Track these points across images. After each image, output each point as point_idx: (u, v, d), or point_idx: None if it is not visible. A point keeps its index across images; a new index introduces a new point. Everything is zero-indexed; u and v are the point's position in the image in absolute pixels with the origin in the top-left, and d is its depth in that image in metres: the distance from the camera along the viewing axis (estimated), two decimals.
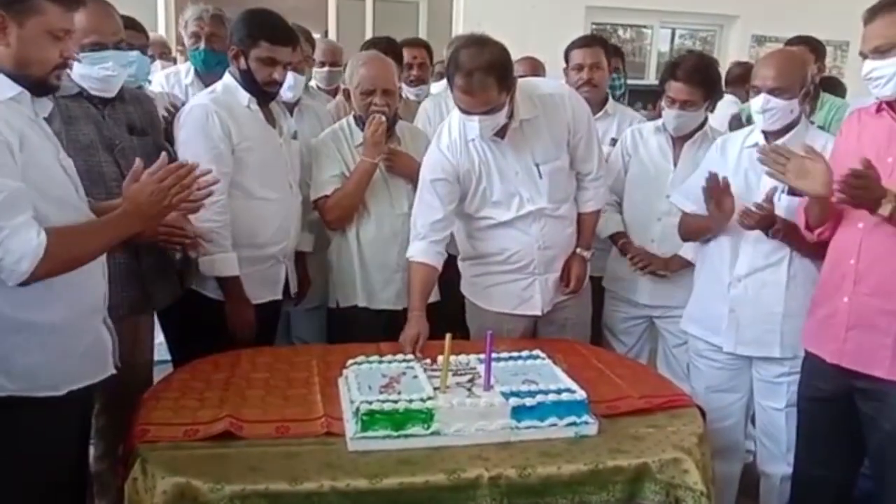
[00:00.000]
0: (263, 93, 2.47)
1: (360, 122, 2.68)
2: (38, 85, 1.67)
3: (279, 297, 2.63)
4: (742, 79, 4.76)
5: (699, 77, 2.63)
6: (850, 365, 2.04)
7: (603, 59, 3.11)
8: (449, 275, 2.63)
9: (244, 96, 2.45)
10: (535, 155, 2.43)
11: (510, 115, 2.35)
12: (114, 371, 1.86)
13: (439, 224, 2.45)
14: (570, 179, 2.54)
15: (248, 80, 2.44)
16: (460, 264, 2.66)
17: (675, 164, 2.77)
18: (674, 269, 2.74)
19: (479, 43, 2.25)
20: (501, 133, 2.39)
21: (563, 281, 2.60)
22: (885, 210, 1.85)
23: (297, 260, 2.77)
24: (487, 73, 2.18)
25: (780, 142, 2.28)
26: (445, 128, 2.49)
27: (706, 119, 2.78)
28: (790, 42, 3.84)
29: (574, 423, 1.85)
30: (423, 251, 2.44)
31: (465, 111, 2.29)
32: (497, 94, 2.22)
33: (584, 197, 2.59)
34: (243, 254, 2.44)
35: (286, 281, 2.66)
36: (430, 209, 2.45)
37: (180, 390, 2.02)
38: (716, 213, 2.32)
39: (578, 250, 2.61)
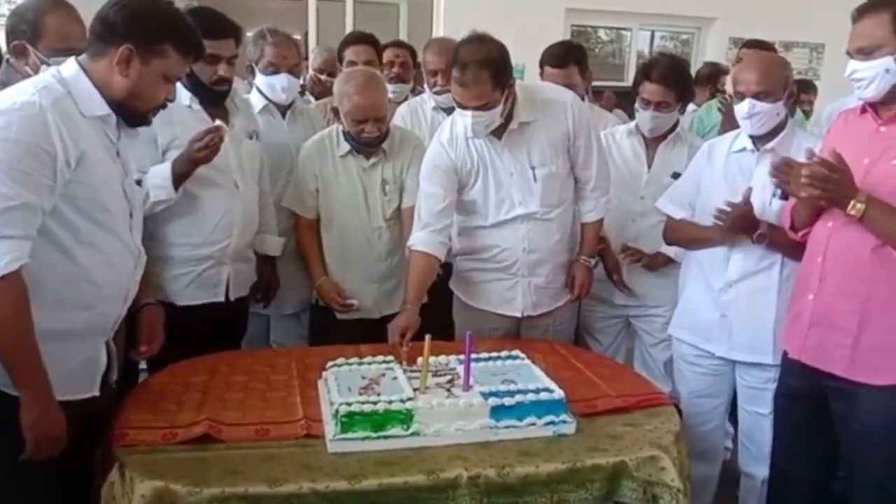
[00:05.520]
0: (212, 93, 2.41)
1: (349, 136, 2.66)
2: (137, 118, 1.78)
3: (220, 299, 2.50)
4: (709, 79, 4.86)
5: (673, 78, 2.67)
6: (810, 361, 2.07)
7: (576, 78, 3.06)
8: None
9: (185, 95, 2.39)
10: (532, 158, 2.45)
11: (509, 117, 2.38)
12: (97, 393, 1.81)
13: (444, 213, 2.47)
14: (565, 186, 2.53)
15: (194, 83, 2.38)
16: (453, 260, 2.69)
17: (649, 166, 2.80)
18: (659, 265, 2.77)
19: (478, 39, 2.31)
20: (499, 133, 2.42)
21: (567, 287, 2.61)
22: (854, 209, 1.87)
23: (265, 262, 2.74)
24: (482, 67, 2.22)
25: (768, 146, 2.30)
26: (449, 122, 2.53)
27: (678, 120, 2.82)
28: (747, 46, 3.91)
29: (552, 423, 1.87)
30: (424, 241, 2.44)
31: (459, 105, 2.33)
32: (491, 89, 2.25)
33: (585, 207, 2.60)
34: (178, 253, 2.38)
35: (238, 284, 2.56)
36: (434, 198, 2.46)
37: (159, 393, 2.01)
38: (725, 232, 2.30)
39: (582, 259, 2.61)
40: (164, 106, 1.84)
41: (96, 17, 1.71)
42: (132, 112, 1.76)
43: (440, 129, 2.56)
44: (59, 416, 1.66)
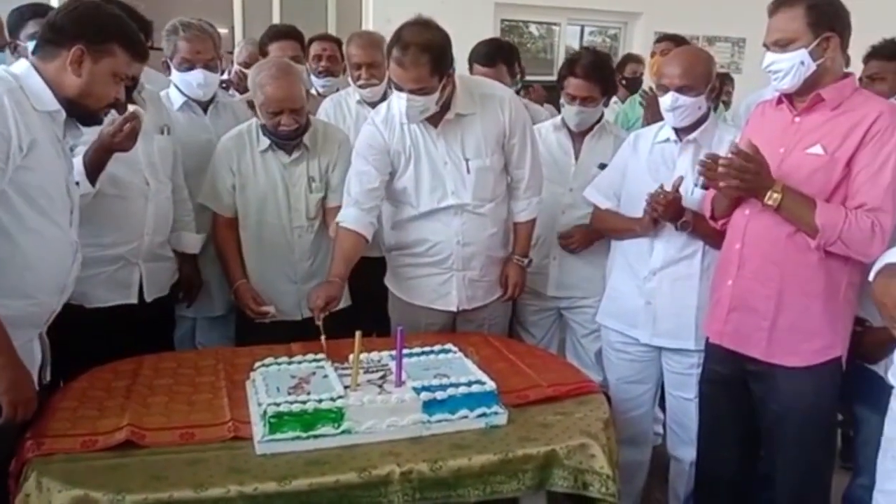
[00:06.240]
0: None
1: (267, 131, 2.58)
2: (88, 116, 1.87)
3: (133, 300, 2.43)
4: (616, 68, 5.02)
5: (597, 73, 2.70)
6: (730, 345, 2.14)
7: (505, 78, 3.06)
8: (362, 280, 2.61)
9: None
10: (467, 150, 2.45)
11: (446, 106, 2.39)
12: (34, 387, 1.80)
13: (373, 193, 2.46)
14: (498, 181, 2.55)
15: None
16: (387, 255, 2.68)
17: (577, 159, 2.84)
18: (593, 239, 2.76)
19: (423, 23, 2.31)
20: (435, 122, 2.42)
21: (501, 286, 2.63)
22: (770, 199, 1.94)
23: (184, 260, 2.67)
24: (423, 50, 2.23)
25: (690, 137, 2.36)
26: (385, 105, 2.51)
27: (603, 113, 2.86)
28: (659, 41, 4.01)
29: (484, 414, 1.88)
30: (354, 218, 2.44)
31: (396, 86, 2.32)
32: (429, 74, 2.26)
33: (517, 207, 2.62)
34: (87, 254, 2.22)
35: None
36: (366, 176, 2.46)
37: (78, 399, 1.94)
38: (648, 221, 2.35)
39: (516, 259, 2.63)
40: (114, 105, 1.92)
41: (45, 24, 1.82)
42: (84, 110, 1.83)
43: (376, 111, 2.56)
44: (30, 378, 1.75)
